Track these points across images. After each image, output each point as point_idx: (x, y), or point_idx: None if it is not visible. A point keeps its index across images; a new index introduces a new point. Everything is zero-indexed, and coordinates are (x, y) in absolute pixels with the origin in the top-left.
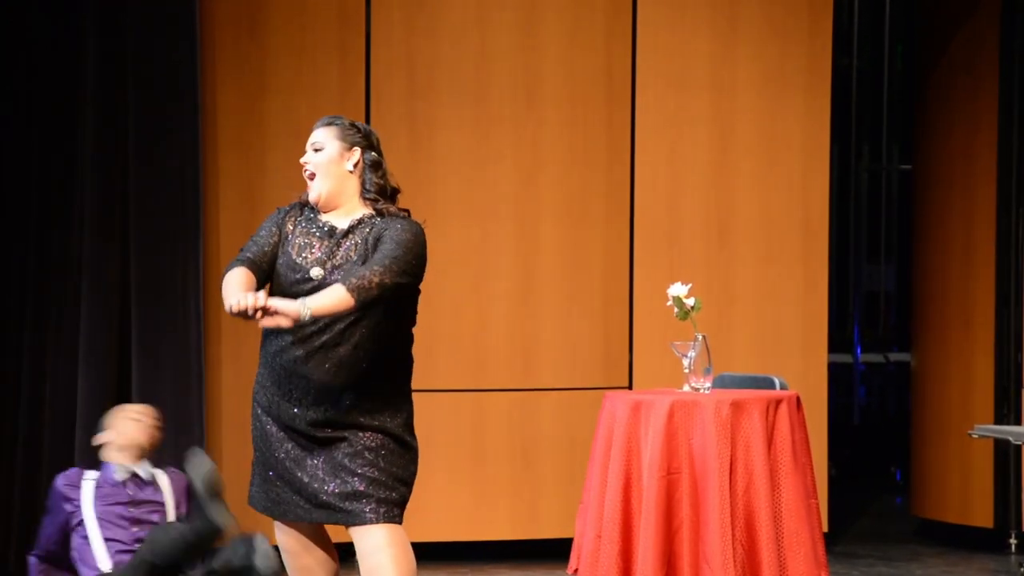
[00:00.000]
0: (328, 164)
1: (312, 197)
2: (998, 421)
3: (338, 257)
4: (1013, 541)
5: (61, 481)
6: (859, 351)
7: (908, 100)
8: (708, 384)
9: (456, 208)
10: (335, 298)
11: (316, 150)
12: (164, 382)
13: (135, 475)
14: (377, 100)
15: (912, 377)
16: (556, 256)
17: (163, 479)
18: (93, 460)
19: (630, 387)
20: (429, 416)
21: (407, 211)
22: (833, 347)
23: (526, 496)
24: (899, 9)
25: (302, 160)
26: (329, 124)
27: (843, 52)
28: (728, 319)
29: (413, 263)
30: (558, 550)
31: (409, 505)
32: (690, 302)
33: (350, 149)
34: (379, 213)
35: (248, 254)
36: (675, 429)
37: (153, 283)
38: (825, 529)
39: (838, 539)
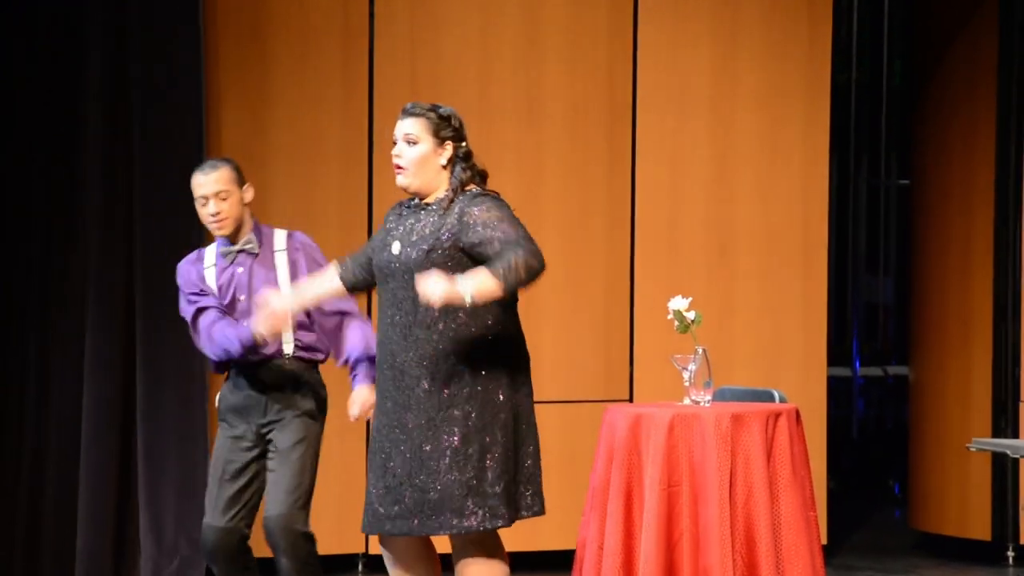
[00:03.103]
0: (421, 161)
1: (400, 185)
2: (996, 434)
3: (415, 233)
4: (1011, 554)
5: None
6: (858, 364)
7: (907, 114)
8: (708, 397)
9: None
10: (488, 282)
11: (410, 142)
12: (168, 392)
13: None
14: (380, 114)
15: (911, 390)
16: (557, 269)
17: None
18: (98, 472)
19: (631, 400)
20: None
21: (494, 192)
22: (832, 360)
23: None
24: (897, 24)
25: (395, 152)
26: (421, 115)
27: (842, 67)
28: (728, 332)
29: (527, 235)
30: (560, 562)
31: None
32: (691, 315)
33: (442, 145)
34: (463, 193)
35: (353, 259)
36: (675, 442)
37: (157, 293)
38: (824, 542)
39: (837, 552)
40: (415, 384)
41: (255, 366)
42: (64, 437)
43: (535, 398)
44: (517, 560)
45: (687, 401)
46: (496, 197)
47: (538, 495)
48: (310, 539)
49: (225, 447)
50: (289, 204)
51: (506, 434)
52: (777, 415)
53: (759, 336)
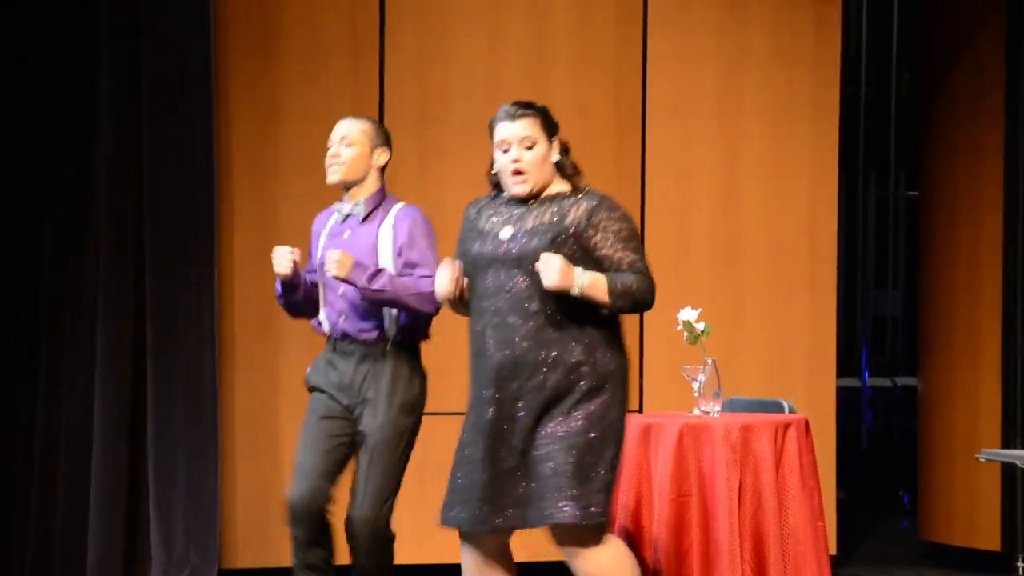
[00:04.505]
0: (542, 162)
1: (520, 193)
2: (1005, 445)
3: (529, 221)
4: (1020, 564)
5: None
6: (867, 375)
7: (915, 127)
8: (717, 408)
9: None
10: (602, 289)
11: (527, 147)
12: (178, 407)
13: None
14: (390, 125)
15: (919, 401)
16: None
17: None
18: (109, 483)
19: (640, 410)
20: (443, 439)
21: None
22: (841, 371)
23: None
24: (905, 37)
25: (509, 155)
26: (531, 115)
27: (850, 79)
28: (737, 344)
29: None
30: (569, 572)
31: (421, 527)
32: (700, 326)
33: (551, 140)
34: (576, 188)
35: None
36: (685, 452)
37: (168, 309)
38: (832, 552)
39: (846, 562)
40: (529, 375)
41: (352, 345)
42: (74, 448)
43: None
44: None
45: (696, 412)
46: (621, 207)
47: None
48: (391, 540)
49: (313, 418)
50: (299, 215)
51: (616, 433)
52: (786, 425)
53: (768, 347)
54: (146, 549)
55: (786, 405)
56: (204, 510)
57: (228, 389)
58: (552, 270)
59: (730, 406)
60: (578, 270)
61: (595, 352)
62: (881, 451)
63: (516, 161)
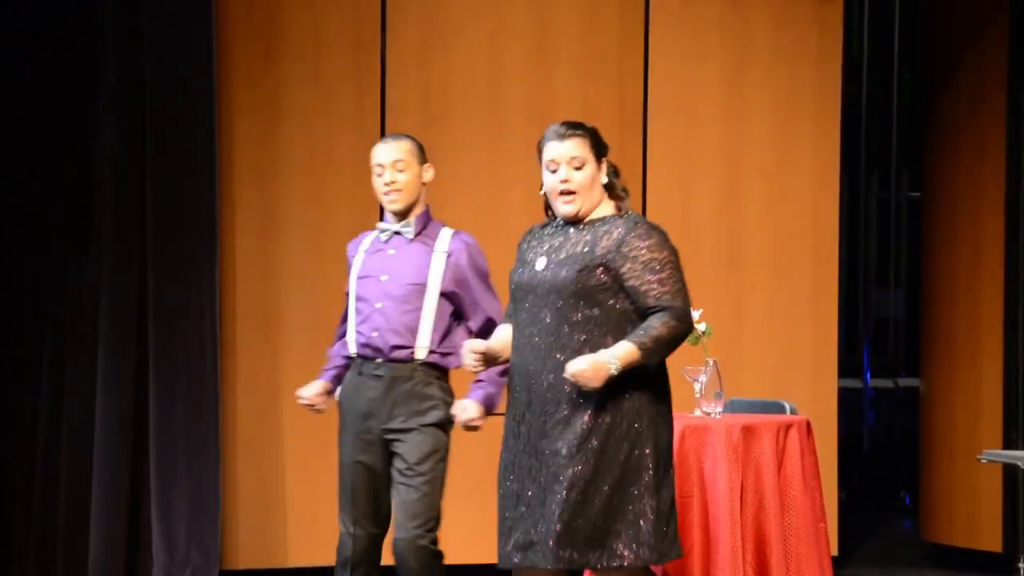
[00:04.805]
0: (591, 183)
1: (568, 214)
2: (1006, 446)
3: (563, 252)
4: (1022, 565)
5: None
6: (868, 376)
7: (917, 128)
8: (719, 409)
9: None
10: (635, 356)
11: (576, 168)
12: (180, 407)
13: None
14: (392, 127)
15: (921, 402)
16: None
17: None
18: (110, 484)
19: None
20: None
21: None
22: (843, 372)
23: None
24: (907, 38)
25: (558, 175)
26: (579, 134)
27: (852, 80)
28: (739, 344)
29: (683, 290)
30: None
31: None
32: (701, 327)
33: (600, 161)
34: (619, 214)
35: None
36: (686, 453)
37: (169, 308)
38: (834, 552)
39: (847, 562)
40: (554, 410)
41: (380, 366)
42: (76, 448)
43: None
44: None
45: (698, 412)
46: (661, 230)
47: (675, 538)
48: (439, 558)
49: (347, 451)
50: (300, 215)
51: (646, 470)
52: (788, 426)
53: (770, 348)
54: (147, 549)
55: (787, 406)
56: (206, 510)
57: (229, 389)
58: (583, 378)
59: (731, 407)
60: (606, 356)
61: (620, 391)
62: (883, 452)
63: (565, 181)
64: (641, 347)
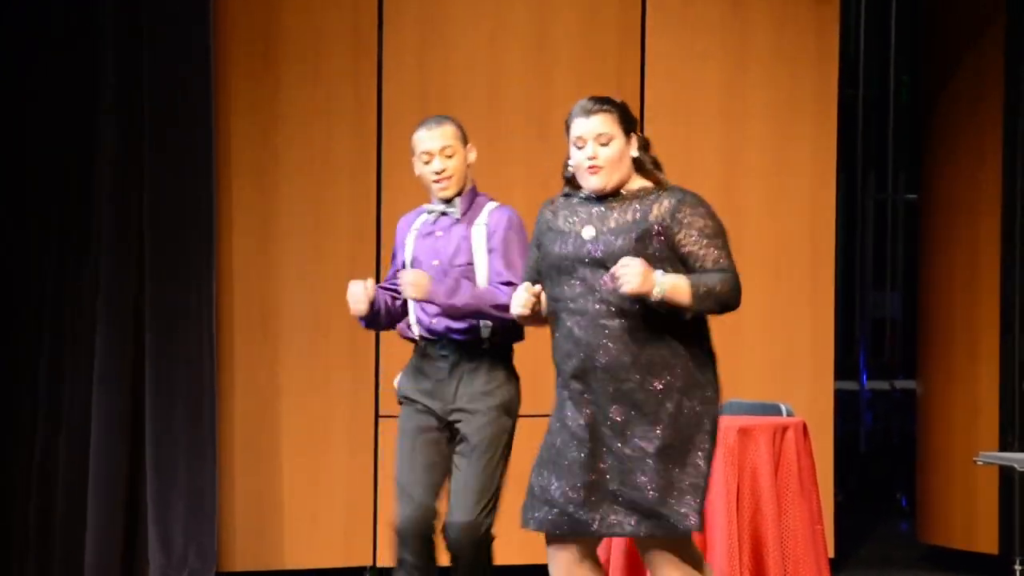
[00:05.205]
0: (619, 158)
1: (595, 187)
2: (1003, 448)
3: (611, 220)
4: (1018, 567)
5: None
6: (865, 378)
7: (914, 129)
8: None
9: None
10: (684, 291)
11: (603, 143)
12: (178, 408)
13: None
14: (389, 125)
15: (918, 404)
16: None
17: None
18: (108, 484)
19: None
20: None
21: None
22: (839, 374)
23: None
24: (905, 40)
25: (585, 151)
26: (607, 111)
27: (850, 82)
28: (735, 346)
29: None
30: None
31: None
32: None
33: (629, 136)
34: (659, 184)
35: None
36: None
37: (167, 309)
38: (831, 555)
39: (844, 564)
40: (624, 376)
41: (444, 347)
42: (74, 449)
43: (545, 411)
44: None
45: None
46: (706, 202)
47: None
48: (491, 544)
49: (408, 437)
50: (299, 214)
51: (709, 436)
52: (784, 428)
53: (766, 350)
54: (144, 551)
55: (784, 408)
56: (203, 512)
57: (227, 390)
58: (632, 274)
59: (728, 409)
60: (658, 273)
61: (683, 353)
62: (879, 454)
63: (592, 158)
64: (693, 287)
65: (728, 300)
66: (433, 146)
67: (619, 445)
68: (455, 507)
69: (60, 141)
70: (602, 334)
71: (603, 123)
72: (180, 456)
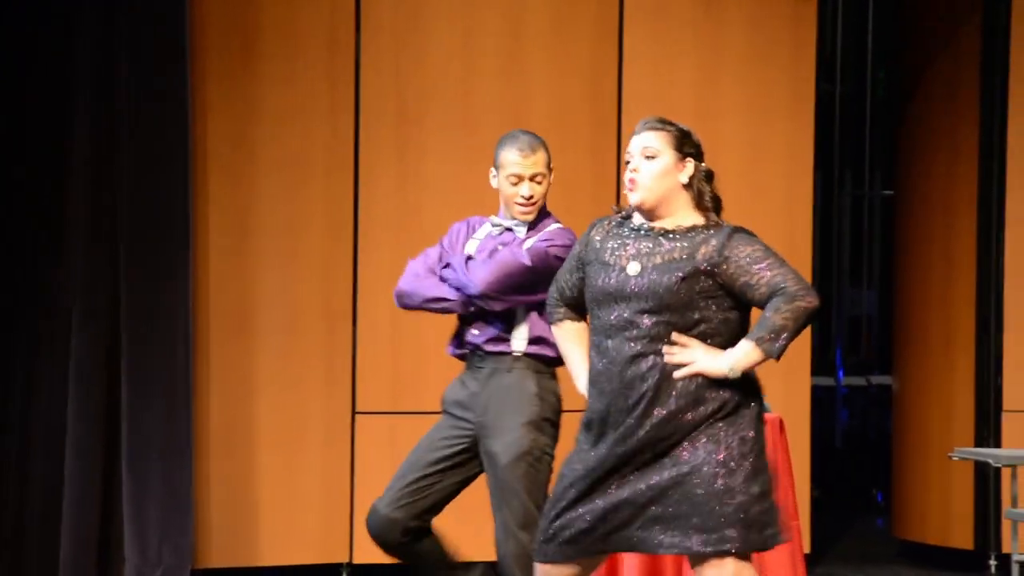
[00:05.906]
0: (662, 175)
1: (634, 202)
2: (978, 444)
3: (658, 256)
4: (993, 563)
5: None
6: (841, 374)
7: (890, 126)
8: None
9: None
10: (755, 356)
11: (648, 157)
12: (153, 407)
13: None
14: (366, 127)
15: (894, 400)
16: None
17: None
18: (83, 483)
19: None
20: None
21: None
22: (816, 370)
23: None
24: (881, 36)
25: (630, 165)
26: (662, 129)
27: (826, 78)
28: None
29: (792, 271)
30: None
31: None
32: None
33: (683, 160)
34: (711, 225)
35: (562, 300)
36: None
37: (143, 308)
38: (807, 550)
39: (820, 560)
40: (654, 409)
41: (482, 360)
42: (49, 447)
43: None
44: None
45: None
46: (755, 236)
47: (778, 525)
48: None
49: (430, 437)
50: (275, 213)
51: (758, 450)
52: None
53: None
54: (120, 548)
55: None
56: (178, 510)
57: (203, 389)
58: (691, 363)
59: None
60: (722, 356)
61: (723, 381)
62: (855, 450)
63: (633, 171)
64: (759, 342)
65: (798, 318)
66: (525, 172)
67: (650, 469)
68: (501, 538)
69: (33, 140)
70: (640, 371)
71: (652, 138)
72: (155, 454)
